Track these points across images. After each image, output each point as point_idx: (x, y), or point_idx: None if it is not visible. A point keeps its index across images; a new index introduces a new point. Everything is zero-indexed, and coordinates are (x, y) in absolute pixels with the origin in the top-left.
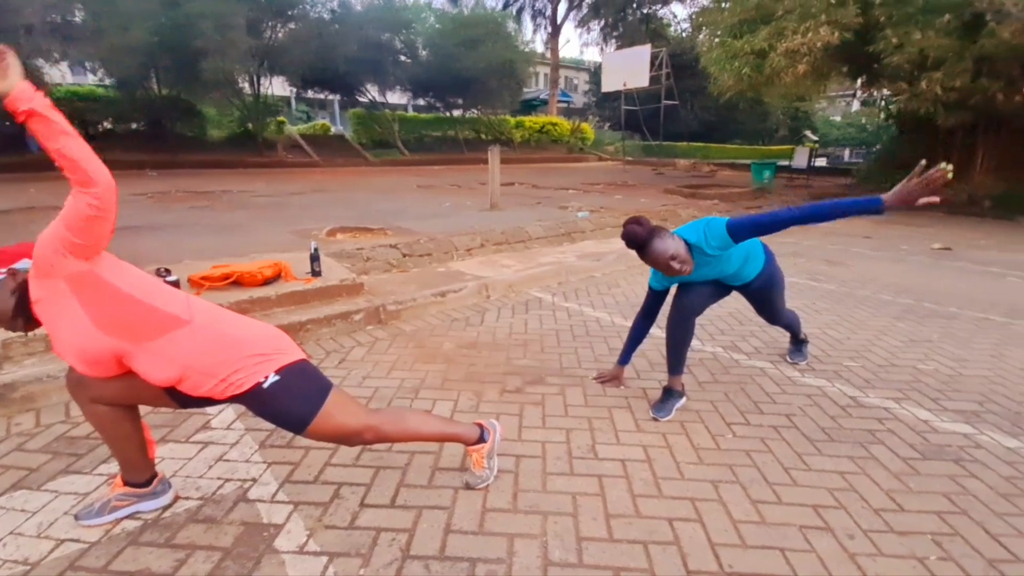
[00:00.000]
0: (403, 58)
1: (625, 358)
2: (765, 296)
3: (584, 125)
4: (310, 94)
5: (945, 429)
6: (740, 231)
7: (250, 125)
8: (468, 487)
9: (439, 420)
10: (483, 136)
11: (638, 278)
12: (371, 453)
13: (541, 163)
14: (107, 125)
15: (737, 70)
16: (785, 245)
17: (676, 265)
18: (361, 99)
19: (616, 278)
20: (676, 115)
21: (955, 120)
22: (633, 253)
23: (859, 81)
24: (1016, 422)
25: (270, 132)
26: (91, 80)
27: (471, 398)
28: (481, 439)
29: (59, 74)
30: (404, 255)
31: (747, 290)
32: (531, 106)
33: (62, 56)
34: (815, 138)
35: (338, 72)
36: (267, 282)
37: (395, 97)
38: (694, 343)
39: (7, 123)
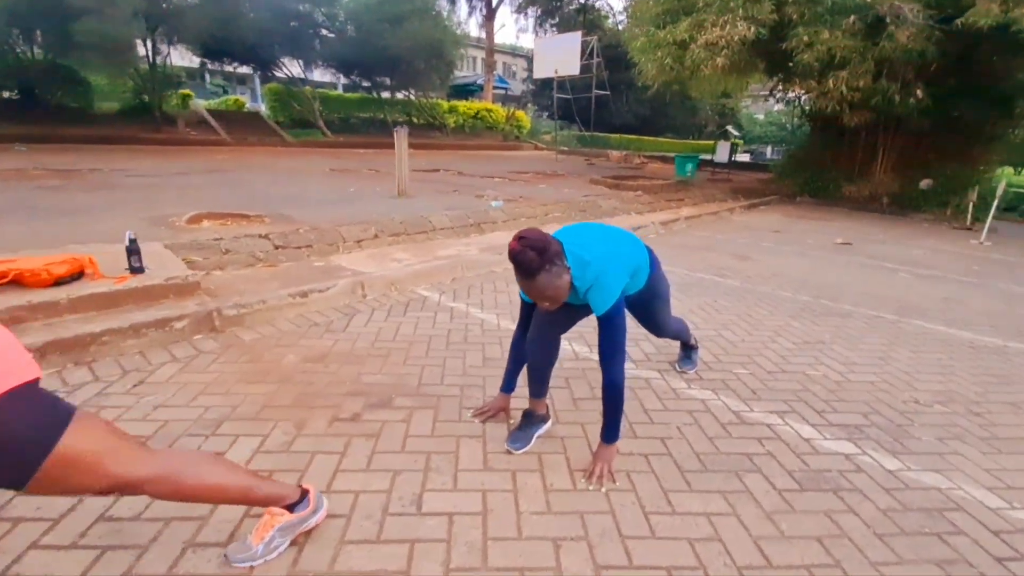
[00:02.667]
0: (325, 32)
1: (509, 384)
2: (647, 309)
3: (519, 113)
4: (226, 68)
5: (827, 449)
6: (618, 312)
7: (146, 97)
8: (225, 560)
9: (248, 475)
10: (415, 120)
11: None
12: (107, 525)
13: (475, 150)
14: None
15: (660, 60)
16: (700, 239)
17: (546, 304)
18: (280, 74)
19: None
20: (611, 107)
21: (858, 119)
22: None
23: (775, 79)
24: (897, 436)
25: (172, 106)
26: None
27: (287, 432)
28: (296, 506)
29: None
30: (276, 247)
31: (627, 304)
32: (467, 91)
33: None
34: (737, 133)
35: (248, 43)
36: (59, 282)
37: (322, 75)
38: (578, 349)
39: None
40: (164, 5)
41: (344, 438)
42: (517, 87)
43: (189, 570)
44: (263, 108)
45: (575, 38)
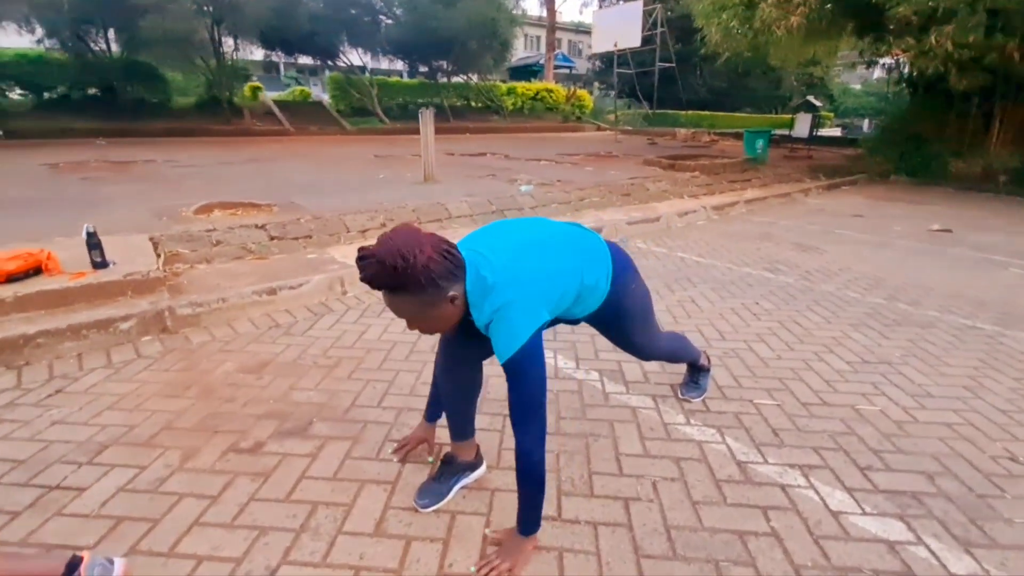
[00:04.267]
0: (383, 18)
1: (433, 412)
2: (613, 331)
3: (582, 92)
4: (297, 60)
5: (864, 531)
6: (531, 359)
7: (216, 91)
8: None
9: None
10: (472, 103)
11: None
12: None
13: (532, 132)
14: (62, 91)
15: (725, 23)
16: (759, 225)
17: (411, 327)
18: (341, 64)
19: None
20: (681, 82)
21: (969, 83)
22: None
23: (866, 40)
24: (976, 516)
25: (243, 99)
26: (26, 41)
27: (169, 464)
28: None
29: (23, 38)
30: (272, 238)
31: (588, 321)
32: (529, 72)
33: None
34: (818, 103)
35: (306, 33)
36: (11, 278)
37: (384, 63)
38: (560, 363)
39: None
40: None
41: (227, 476)
42: (583, 65)
43: None
44: (326, 98)
45: (636, 8)
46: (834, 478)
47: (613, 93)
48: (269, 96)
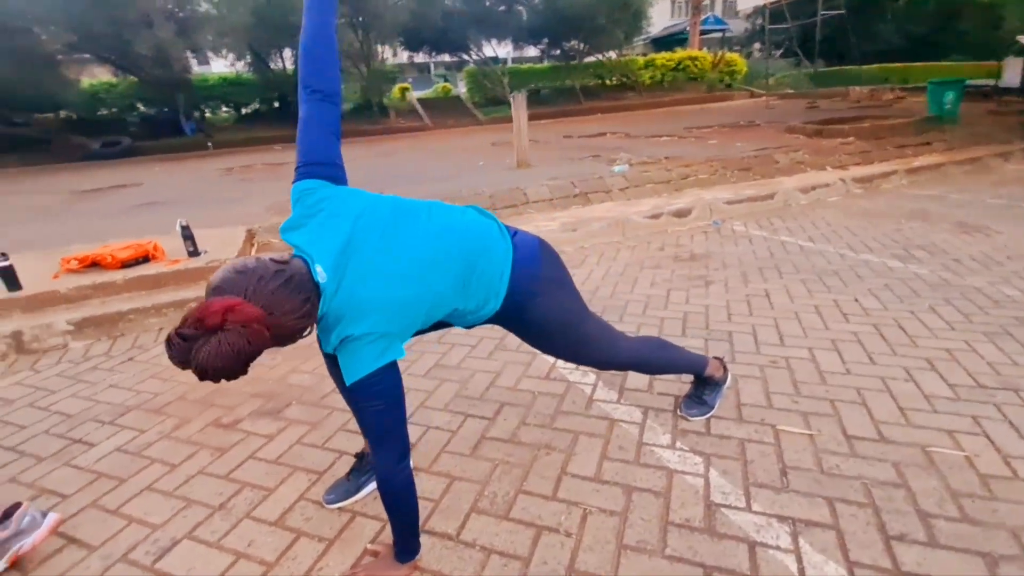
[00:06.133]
0: (512, 4)
1: None
2: (529, 338)
3: (732, 56)
4: (444, 58)
5: None
6: (377, 386)
7: (368, 95)
8: None
9: None
10: (606, 82)
11: (619, 255)
12: None
13: (670, 107)
14: (256, 106)
15: None
16: (916, 200)
17: None
18: (476, 56)
19: (588, 255)
20: (864, 31)
21: None
22: (633, 220)
23: None
24: None
25: (391, 100)
26: (222, 66)
27: (162, 431)
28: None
29: (222, 63)
30: None
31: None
32: (674, 42)
33: (192, 47)
34: None
35: (439, 31)
36: (125, 265)
37: (517, 52)
38: (558, 362)
39: (165, 108)
40: (370, 8)
41: (195, 448)
42: (739, 26)
43: None
44: (462, 91)
45: None
46: (837, 545)
47: (777, 53)
48: (415, 95)
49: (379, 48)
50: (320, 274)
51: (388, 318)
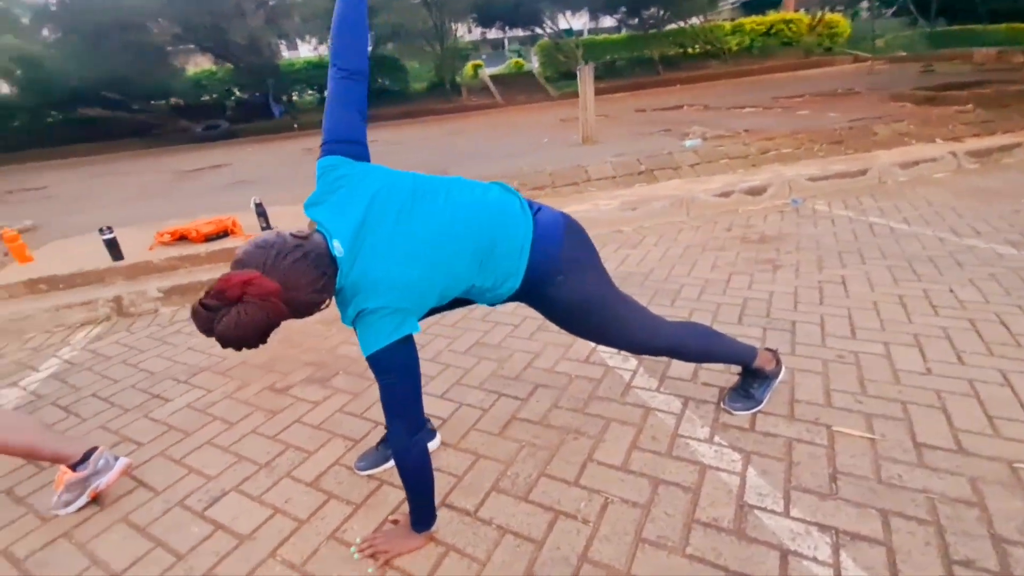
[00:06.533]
0: None
1: None
2: (555, 320)
3: (833, 17)
4: (518, 32)
5: None
6: (389, 361)
7: (441, 74)
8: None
9: (36, 436)
10: (688, 51)
11: (680, 235)
12: None
13: (759, 75)
14: None
15: None
16: None
17: None
18: (549, 29)
19: (646, 235)
20: None
21: None
22: (700, 198)
23: None
24: None
25: (466, 77)
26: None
27: (225, 392)
28: (78, 466)
29: (308, 47)
30: None
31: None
32: (767, 3)
33: (280, 33)
34: None
35: (511, 5)
36: (207, 239)
37: (594, 22)
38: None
39: (257, 93)
40: None
41: (251, 409)
42: None
43: None
44: (535, 66)
45: None
46: (886, 564)
47: (888, 12)
48: (487, 72)
49: (453, 26)
50: (337, 249)
51: (401, 294)
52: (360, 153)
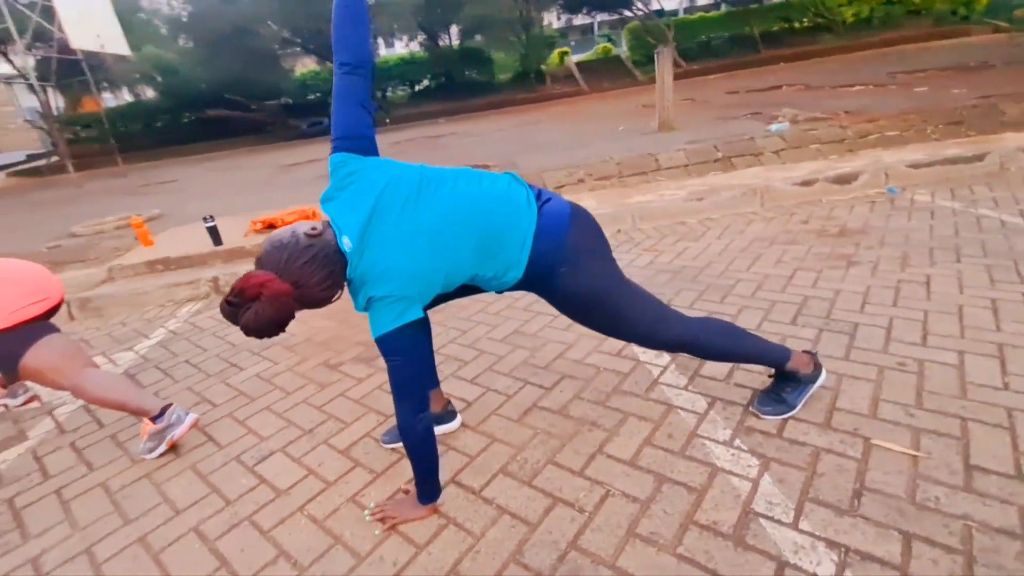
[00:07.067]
0: None
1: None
2: (564, 311)
3: None
4: (606, 17)
5: None
6: (393, 343)
7: (527, 63)
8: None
9: (126, 393)
10: (795, 25)
11: (749, 227)
12: None
13: (878, 48)
14: (426, 83)
15: None
16: None
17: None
18: (639, 11)
19: (711, 227)
20: None
21: None
22: (776, 187)
23: None
24: None
25: (550, 65)
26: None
27: (288, 364)
28: (157, 419)
29: (401, 45)
30: None
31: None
32: None
33: (374, 32)
34: None
35: None
36: None
37: (691, 1)
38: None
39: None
40: None
41: (305, 382)
42: None
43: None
44: (623, 51)
45: None
46: None
47: None
48: (574, 59)
49: (539, 15)
50: (346, 244)
51: (405, 283)
52: (367, 147)
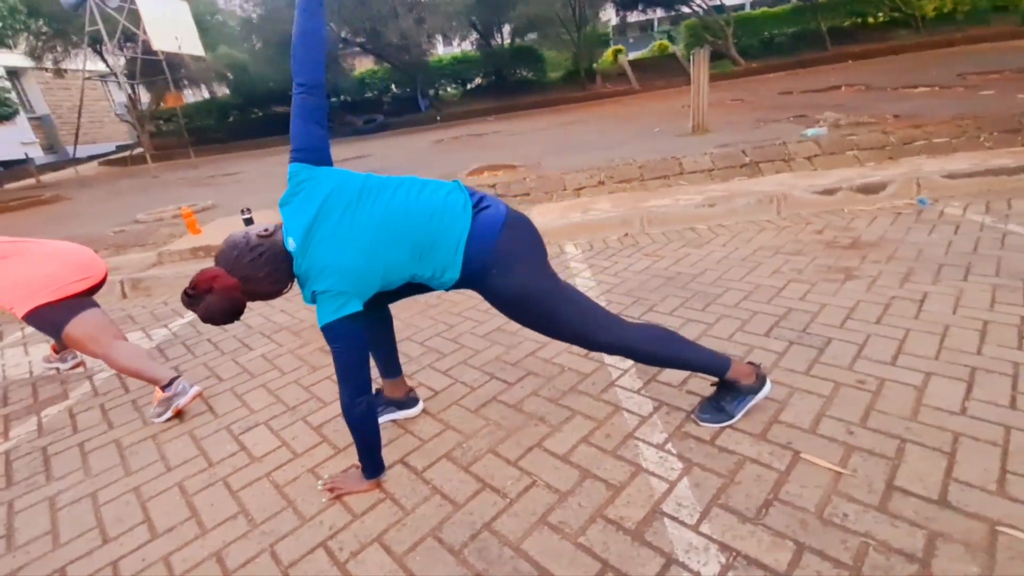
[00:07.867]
0: None
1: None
2: (505, 311)
3: None
4: (660, 13)
5: None
6: (336, 331)
7: (578, 62)
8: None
9: (141, 363)
10: (869, 20)
11: (757, 236)
12: None
13: (962, 45)
14: (479, 81)
15: None
16: None
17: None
18: (698, 6)
19: (718, 234)
20: None
21: None
22: (796, 195)
23: None
24: None
25: (603, 64)
26: (453, 47)
27: (291, 347)
28: (166, 387)
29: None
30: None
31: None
32: None
33: (428, 32)
34: None
35: None
36: None
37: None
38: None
39: (408, 89)
40: None
41: (301, 364)
42: None
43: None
44: (678, 49)
45: None
46: None
47: None
48: (628, 57)
49: (595, 13)
50: (291, 244)
51: (343, 280)
52: (320, 158)
